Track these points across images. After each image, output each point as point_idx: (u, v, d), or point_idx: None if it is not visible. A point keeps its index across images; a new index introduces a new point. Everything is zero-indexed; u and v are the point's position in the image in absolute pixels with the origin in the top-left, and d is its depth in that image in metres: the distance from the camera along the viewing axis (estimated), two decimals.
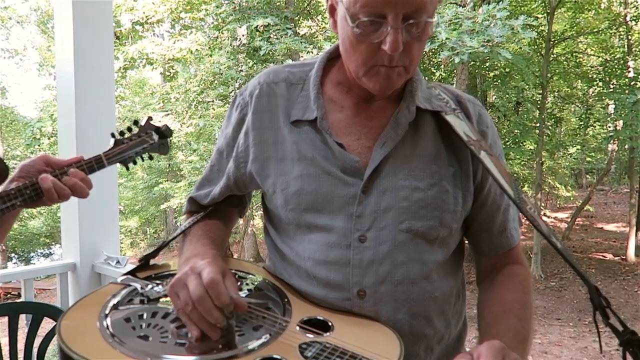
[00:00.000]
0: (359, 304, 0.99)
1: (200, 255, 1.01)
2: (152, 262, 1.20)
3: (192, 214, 1.24)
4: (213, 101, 11.91)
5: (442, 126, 1.05)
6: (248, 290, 1.06)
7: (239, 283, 1.06)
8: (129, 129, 1.32)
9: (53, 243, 15.88)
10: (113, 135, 1.30)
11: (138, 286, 1.06)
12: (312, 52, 10.17)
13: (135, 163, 1.34)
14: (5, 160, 1.20)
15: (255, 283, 1.09)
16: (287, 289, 1.06)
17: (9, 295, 12.37)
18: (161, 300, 1.02)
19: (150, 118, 1.36)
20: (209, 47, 11.74)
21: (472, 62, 10.99)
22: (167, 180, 13.77)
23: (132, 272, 1.13)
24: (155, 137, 1.34)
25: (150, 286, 1.06)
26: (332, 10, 1.01)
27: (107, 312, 0.97)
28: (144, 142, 1.32)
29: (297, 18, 11.76)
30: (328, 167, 1.02)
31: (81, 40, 2.78)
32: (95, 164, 1.26)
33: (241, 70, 11.20)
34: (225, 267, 0.96)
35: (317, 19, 12.73)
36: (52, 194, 1.16)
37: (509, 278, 1.10)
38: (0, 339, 2.20)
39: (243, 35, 11.40)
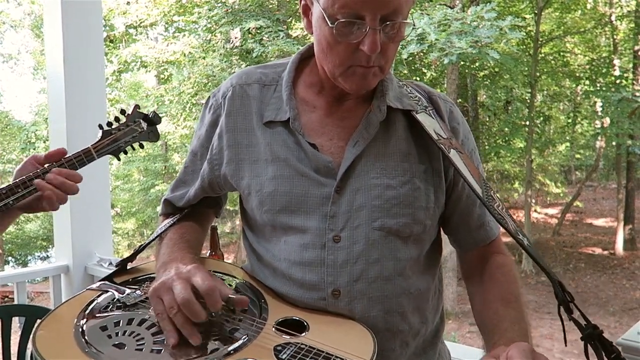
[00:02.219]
0: (333, 303, 1.00)
1: (178, 259, 1.02)
2: (129, 265, 1.19)
3: (168, 216, 1.24)
4: None
5: (414, 125, 1.06)
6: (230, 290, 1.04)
7: None
8: (117, 119, 1.29)
9: (50, 246, 15.88)
10: (101, 126, 1.27)
11: (115, 292, 1.05)
12: None
13: (126, 153, 1.33)
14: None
15: (233, 284, 1.09)
16: (264, 290, 1.07)
17: (6, 298, 12.42)
18: (138, 305, 1.02)
19: (137, 106, 1.33)
20: (202, 50, 11.80)
21: (461, 63, 11.11)
22: (163, 182, 13.84)
23: (108, 278, 1.13)
24: (144, 124, 1.31)
25: (127, 292, 1.06)
26: (306, 10, 1.01)
27: (83, 320, 0.97)
28: (133, 130, 1.30)
29: (289, 20, 11.86)
30: (301, 168, 1.03)
31: (71, 44, 2.76)
32: (85, 157, 1.24)
33: (234, 72, 11.25)
34: (210, 271, 0.99)
35: None
36: (52, 198, 1.16)
37: (496, 270, 1.10)
38: None
39: (236, 38, 11.47)
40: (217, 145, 1.10)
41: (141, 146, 1.35)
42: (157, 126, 1.36)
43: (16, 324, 2.21)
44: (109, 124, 1.29)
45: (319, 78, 1.07)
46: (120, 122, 1.30)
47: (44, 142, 13.82)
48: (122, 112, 1.31)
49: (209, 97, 1.16)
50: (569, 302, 0.91)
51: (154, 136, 1.34)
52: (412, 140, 1.06)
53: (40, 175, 1.16)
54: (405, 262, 1.03)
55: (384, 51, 0.95)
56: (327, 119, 1.06)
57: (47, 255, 15.87)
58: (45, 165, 1.20)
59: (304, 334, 0.95)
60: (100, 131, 1.28)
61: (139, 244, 1.24)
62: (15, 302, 2.65)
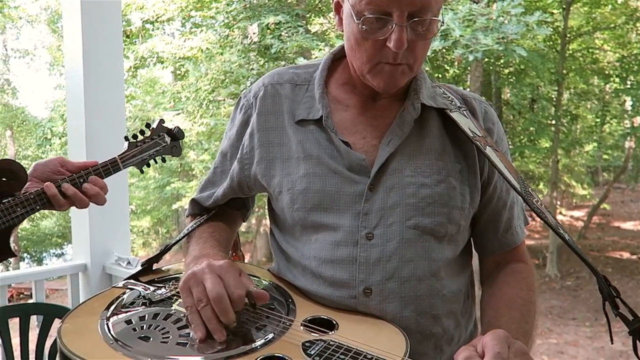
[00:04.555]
0: (364, 302, 0.99)
1: (210, 255, 1.01)
2: (155, 266, 1.20)
3: (195, 216, 1.24)
4: (224, 100, 11.82)
5: (448, 123, 1.06)
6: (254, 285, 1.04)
7: None
8: (142, 132, 1.31)
9: (65, 243, 15.91)
10: (127, 138, 1.30)
11: (140, 289, 1.06)
12: (323, 50, 10.06)
13: (149, 166, 1.34)
14: (19, 163, 1.17)
15: (259, 286, 1.08)
16: (291, 290, 1.07)
17: (21, 295, 12.37)
18: (164, 302, 1.02)
19: (162, 120, 1.35)
20: (220, 46, 11.64)
21: (486, 59, 10.83)
22: (179, 180, 13.70)
23: (134, 276, 1.14)
24: (168, 139, 1.33)
25: (152, 289, 1.06)
26: (338, 7, 1.02)
27: (108, 314, 0.97)
28: (157, 144, 1.32)
29: (308, 15, 11.62)
30: (334, 166, 1.02)
31: (90, 40, 2.77)
32: (111, 167, 1.25)
33: (252, 69, 11.10)
34: (238, 267, 0.96)
35: (329, 16, 12.55)
36: (58, 200, 1.16)
37: (511, 275, 1.10)
38: (12, 339, 2.22)
39: (254, 34, 11.30)
40: (248, 144, 1.11)
41: (163, 160, 1.36)
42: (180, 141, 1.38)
43: (34, 322, 2.26)
44: (135, 136, 1.31)
45: (350, 77, 1.07)
46: (145, 135, 1.32)
47: (60, 138, 13.73)
48: (147, 125, 1.33)
49: (240, 97, 1.17)
50: (615, 297, 0.88)
51: (176, 151, 1.36)
52: (447, 139, 1.06)
53: (77, 183, 1.18)
54: (440, 263, 1.02)
55: (412, 49, 0.94)
56: (360, 117, 1.06)
57: (62, 252, 15.87)
58: (73, 174, 1.20)
59: (333, 332, 0.94)
60: (126, 142, 1.30)
61: (166, 244, 1.23)
62: (33, 300, 2.67)
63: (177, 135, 1.35)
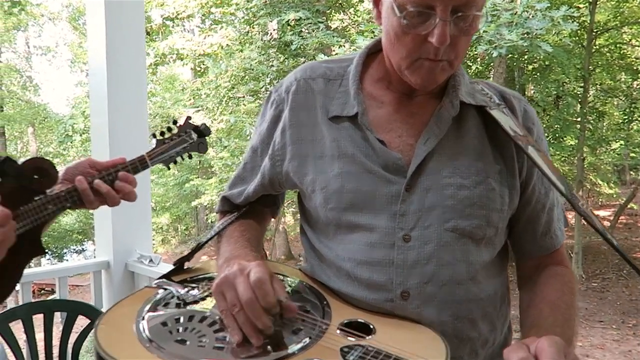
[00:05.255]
0: (402, 305, 0.96)
1: (242, 256, 0.99)
2: (186, 265, 1.18)
3: (225, 213, 1.23)
4: (244, 97, 11.79)
5: (487, 122, 1.03)
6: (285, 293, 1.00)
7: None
8: (169, 129, 1.31)
9: (85, 240, 16.07)
10: (154, 135, 1.30)
11: (173, 289, 1.05)
12: (344, 46, 9.99)
13: (175, 163, 1.33)
14: (50, 161, 1.16)
15: (292, 286, 1.07)
16: (325, 291, 1.04)
17: (42, 290, 12.49)
18: (197, 303, 1.01)
19: (189, 117, 1.35)
20: (240, 42, 11.61)
21: (510, 55, 10.63)
22: (198, 177, 13.74)
23: (166, 276, 1.12)
24: (194, 136, 1.32)
25: (185, 289, 1.06)
26: (377, 0, 0.99)
27: (143, 315, 0.96)
28: (184, 141, 1.31)
29: (328, 11, 11.51)
30: (369, 165, 1.00)
31: (113, 38, 2.76)
32: (140, 164, 1.25)
33: (272, 65, 11.05)
34: (271, 271, 0.94)
35: (349, 12, 12.46)
36: (88, 196, 1.16)
37: (553, 277, 1.08)
38: (36, 335, 2.25)
39: (274, 30, 11.24)
40: (280, 141, 1.08)
41: (190, 157, 1.34)
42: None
43: (57, 318, 2.28)
44: (162, 133, 1.30)
45: (386, 72, 1.04)
46: (172, 132, 1.31)
47: (81, 135, 13.82)
48: (174, 122, 1.32)
49: (270, 92, 1.14)
50: None
51: (203, 147, 1.35)
52: (486, 137, 1.03)
53: (107, 181, 1.18)
54: (477, 266, 1.00)
55: (453, 45, 0.91)
56: (395, 114, 1.03)
57: (83, 249, 16.02)
58: (102, 172, 1.21)
59: (370, 336, 0.91)
60: (154, 140, 1.29)
61: (197, 242, 1.21)
62: (57, 297, 2.70)
63: (203, 132, 1.34)
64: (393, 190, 0.98)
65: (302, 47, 10.27)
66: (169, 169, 1.39)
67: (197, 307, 1.00)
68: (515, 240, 1.11)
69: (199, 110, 12.24)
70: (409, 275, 0.96)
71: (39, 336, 2.24)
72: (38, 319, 2.23)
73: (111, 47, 2.76)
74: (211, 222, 15.14)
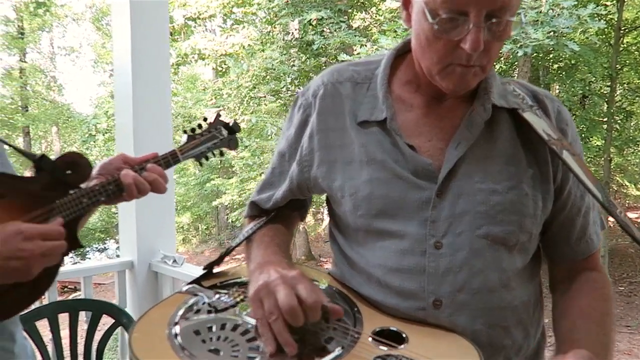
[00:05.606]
0: (434, 314, 0.95)
1: (275, 263, 0.98)
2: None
3: (253, 218, 1.22)
4: (265, 96, 11.79)
5: (520, 125, 1.00)
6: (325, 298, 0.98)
7: None
8: (199, 126, 1.33)
9: (107, 238, 16.24)
10: (185, 131, 1.32)
11: (204, 296, 1.05)
12: (365, 46, 9.93)
13: (207, 159, 1.34)
14: (83, 155, 1.18)
15: (323, 291, 1.03)
16: (355, 298, 1.03)
17: (65, 288, 12.63)
18: (229, 310, 1.00)
19: (219, 114, 1.36)
20: (261, 42, 11.61)
21: (534, 54, 10.47)
22: (219, 177, 13.77)
23: (196, 281, 1.12)
24: (225, 132, 1.34)
25: (216, 296, 1.05)
26: (407, 2, 0.96)
27: (175, 323, 0.96)
28: (214, 137, 1.32)
29: (350, 11, 11.44)
30: (399, 171, 0.98)
31: (138, 38, 2.77)
32: (171, 159, 1.26)
33: (293, 65, 11.04)
34: (309, 278, 0.93)
35: (371, 11, 12.38)
36: (133, 189, 1.17)
37: (585, 284, 1.05)
38: (60, 333, 2.28)
39: (295, 30, 11.22)
40: (308, 146, 1.07)
41: (221, 153, 1.36)
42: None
43: (82, 317, 2.31)
44: (193, 129, 1.32)
45: (415, 75, 1.02)
46: (203, 129, 1.32)
47: (103, 134, 13.95)
48: (205, 119, 1.34)
49: (298, 96, 1.13)
50: None
51: (233, 144, 1.36)
52: (518, 141, 1.00)
53: (137, 171, 1.19)
54: (510, 273, 0.98)
55: (486, 50, 0.89)
56: (425, 118, 1.02)
57: (105, 247, 16.18)
58: (133, 167, 1.22)
59: (403, 345, 0.90)
60: (185, 135, 1.31)
61: (227, 247, 1.20)
62: (82, 296, 2.72)
63: (233, 128, 1.35)
64: (423, 197, 0.96)
65: (323, 46, 10.23)
66: (201, 165, 1.39)
67: (228, 314, 0.99)
68: (548, 244, 1.08)
69: (220, 110, 12.27)
70: (441, 283, 0.95)
71: (64, 334, 2.26)
72: (62, 317, 2.26)
73: (136, 47, 2.77)
74: (231, 221, 15.19)
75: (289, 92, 11.63)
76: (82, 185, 1.16)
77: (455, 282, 0.95)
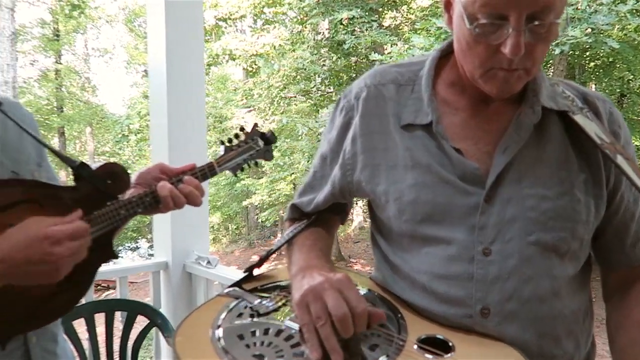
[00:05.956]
0: (481, 322, 0.93)
1: (318, 267, 0.97)
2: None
3: (294, 221, 1.22)
4: (295, 97, 11.79)
5: (570, 128, 0.98)
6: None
7: None
8: (237, 136, 1.33)
9: (139, 237, 16.46)
10: (222, 142, 1.32)
11: (246, 299, 1.05)
12: (396, 45, 9.83)
13: (242, 170, 1.33)
14: (122, 166, 1.17)
15: (364, 296, 1.00)
16: (398, 303, 1.01)
17: (98, 286, 12.85)
18: (271, 314, 0.99)
19: (256, 125, 1.36)
20: (292, 42, 11.62)
21: (570, 52, 10.21)
22: (249, 177, 13.81)
23: (237, 284, 1.12)
24: (261, 143, 1.33)
25: (258, 300, 1.04)
26: (448, 5, 0.94)
27: (218, 327, 0.96)
28: (251, 148, 1.31)
29: (381, 10, 11.35)
30: (445, 175, 0.96)
31: (173, 40, 2.82)
32: (208, 171, 1.26)
33: (324, 65, 11.01)
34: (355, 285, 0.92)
35: (402, 10, 12.24)
36: (169, 202, 1.17)
37: None
38: (96, 332, 2.33)
39: (326, 29, 11.19)
40: (350, 149, 1.06)
41: (256, 164, 1.35)
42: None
43: (117, 316, 2.36)
44: (230, 140, 1.32)
45: (460, 77, 1.00)
46: (240, 139, 1.32)
47: (136, 134, 14.14)
48: (242, 129, 1.34)
49: (340, 98, 1.12)
50: None
51: (269, 155, 1.36)
52: (570, 145, 0.98)
53: (174, 184, 1.20)
54: (561, 281, 0.96)
55: (530, 52, 0.86)
56: (471, 121, 0.99)
57: (137, 246, 16.41)
58: (171, 178, 1.23)
59: (449, 354, 0.88)
60: (222, 147, 1.31)
61: (268, 249, 1.21)
62: (118, 296, 2.76)
63: (270, 139, 1.34)
64: (471, 202, 0.95)
65: (354, 46, 10.17)
66: (235, 176, 1.39)
67: (271, 319, 0.98)
68: (601, 251, 1.06)
69: (251, 111, 12.33)
70: (489, 291, 0.93)
71: (99, 329, 2.30)
72: (97, 317, 2.31)
73: (170, 48, 2.79)
74: (261, 222, 15.23)
75: (319, 92, 11.60)
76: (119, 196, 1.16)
77: (505, 290, 0.92)
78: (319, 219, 1.20)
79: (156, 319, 2.39)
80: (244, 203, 14.55)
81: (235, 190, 14.32)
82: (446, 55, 1.04)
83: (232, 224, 18.10)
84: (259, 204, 13.47)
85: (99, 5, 17.48)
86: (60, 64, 18.03)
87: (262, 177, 13.12)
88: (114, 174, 1.13)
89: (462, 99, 1.01)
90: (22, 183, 1.09)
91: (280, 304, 1.02)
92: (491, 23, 0.84)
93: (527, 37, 0.84)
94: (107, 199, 1.12)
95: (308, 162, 11.24)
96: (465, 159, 0.96)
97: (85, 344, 2.32)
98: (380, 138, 1.03)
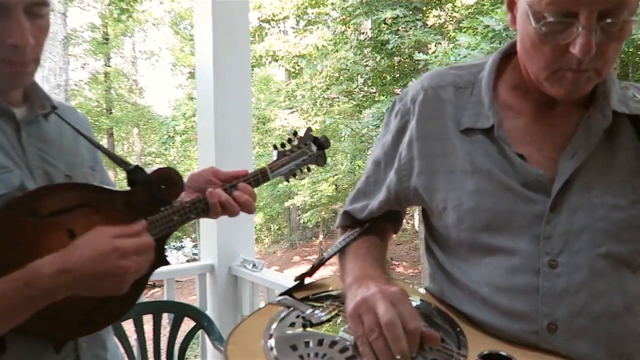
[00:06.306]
0: (548, 338, 0.88)
1: (373, 277, 0.94)
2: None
3: (346, 228, 1.20)
4: (337, 97, 11.76)
5: None
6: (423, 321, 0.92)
7: None
8: (289, 141, 1.31)
9: (184, 237, 16.75)
10: (275, 147, 1.30)
11: (298, 309, 1.03)
12: (441, 44, 9.66)
13: (295, 176, 1.31)
14: (177, 171, 1.15)
15: (419, 308, 1.00)
16: (457, 317, 0.97)
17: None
18: (324, 325, 0.97)
19: (309, 129, 1.34)
20: (334, 43, 11.59)
21: (625, 49, 9.82)
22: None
23: (288, 292, 1.10)
24: (314, 148, 1.30)
25: (310, 309, 1.03)
26: (512, 4, 0.92)
27: (270, 336, 0.95)
28: (304, 154, 1.29)
29: (425, 9, 11.18)
30: (507, 181, 0.92)
31: (220, 42, 2.84)
32: (261, 177, 1.24)
33: (367, 65, 10.93)
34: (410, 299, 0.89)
35: (447, 8, 12.03)
36: (217, 209, 1.16)
37: None
38: (144, 333, 2.39)
39: (369, 29, 11.12)
40: (406, 154, 1.03)
41: (308, 170, 1.33)
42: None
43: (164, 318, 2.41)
44: (283, 145, 1.30)
45: (522, 79, 0.96)
46: (293, 144, 1.30)
47: (181, 135, 14.39)
48: (295, 134, 1.32)
49: (395, 101, 1.10)
50: None
51: (321, 160, 1.33)
52: None
53: (227, 190, 1.18)
54: (635, 297, 0.90)
55: (601, 52, 0.81)
56: (534, 125, 0.96)
57: (182, 246, 16.72)
58: (225, 183, 1.22)
59: None
60: (275, 152, 1.29)
61: (319, 258, 1.18)
62: (165, 298, 2.80)
63: (323, 144, 1.31)
64: (536, 210, 0.91)
65: (397, 45, 10.06)
66: (288, 182, 1.37)
67: (324, 329, 0.97)
68: None
69: (293, 112, 12.37)
70: (556, 305, 0.89)
71: (147, 327, 2.36)
72: (145, 317, 2.38)
73: (217, 51, 2.83)
74: (303, 223, 15.27)
75: (361, 92, 11.54)
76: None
77: (574, 304, 0.88)
78: (372, 227, 1.17)
79: (202, 321, 2.44)
80: (286, 204, 14.62)
81: (278, 191, 14.40)
82: (508, 56, 1.01)
83: (274, 225, 18.23)
84: (301, 205, 13.51)
85: (146, 9, 17.89)
86: (109, 66, 18.57)
87: (304, 178, 13.15)
88: (168, 179, 1.12)
89: (525, 102, 0.98)
90: (78, 187, 1.09)
91: (333, 314, 1.00)
92: (559, 21, 0.80)
93: (599, 35, 0.80)
94: (161, 204, 1.11)
95: (351, 163, 11.20)
96: (528, 164, 0.92)
97: (134, 344, 2.37)
98: (437, 142, 1.00)
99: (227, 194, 1.18)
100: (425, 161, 1.01)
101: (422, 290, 1.09)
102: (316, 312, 1.02)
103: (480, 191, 0.94)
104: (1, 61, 0.99)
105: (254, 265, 2.87)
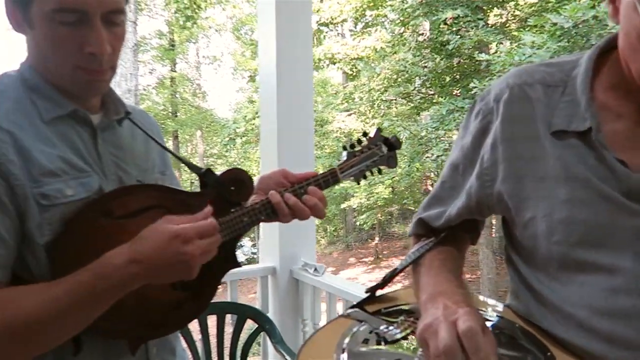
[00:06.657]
0: None
1: (447, 294, 0.87)
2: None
3: (419, 237, 1.12)
4: (395, 99, 11.68)
5: None
6: (494, 336, 0.82)
7: None
8: (359, 141, 1.27)
9: (244, 237, 17.05)
10: (345, 148, 1.27)
11: (372, 324, 0.98)
12: (502, 43, 9.42)
13: (365, 177, 1.27)
14: (247, 172, 1.15)
15: (503, 328, 0.93)
16: (546, 340, 0.89)
17: None
18: (399, 342, 0.92)
19: (379, 129, 1.29)
20: (393, 44, 11.53)
21: None
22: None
23: (359, 305, 1.06)
24: (384, 149, 1.26)
25: (383, 325, 0.97)
26: None
27: (343, 352, 0.91)
28: (374, 154, 1.25)
29: (486, 8, 10.93)
30: (607, 191, 0.83)
31: (283, 45, 2.83)
32: (331, 178, 1.21)
33: (425, 67, 10.81)
34: (483, 319, 0.81)
35: (509, 6, 11.72)
36: (283, 210, 1.14)
37: None
38: (205, 332, 2.40)
39: (428, 30, 10.99)
40: (489, 157, 0.95)
41: (379, 172, 1.29)
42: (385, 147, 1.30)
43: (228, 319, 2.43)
44: (352, 145, 1.27)
45: (623, 78, 0.86)
46: (363, 145, 1.26)
47: (241, 137, 14.72)
48: (364, 134, 1.28)
49: (475, 101, 1.03)
50: None
51: (392, 162, 1.28)
52: None
53: (297, 194, 1.16)
54: None
55: None
56: (637, 129, 0.87)
57: (241, 244, 17.06)
58: (294, 185, 1.20)
59: None
60: (345, 152, 1.26)
61: (392, 269, 1.11)
62: (228, 299, 2.79)
63: (394, 145, 1.27)
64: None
65: (457, 46, 9.89)
66: (358, 184, 1.31)
67: (400, 348, 0.92)
68: None
69: (351, 114, 12.39)
70: None
71: (211, 326, 2.38)
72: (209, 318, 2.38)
73: (281, 55, 2.83)
74: (359, 224, 15.25)
75: (419, 94, 11.42)
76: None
77: None
78: (448, 237, 1.09)
79: (264, 323, 2.45)
80: (342, 205, 14.64)
81: (334, 193, 14.44)
82: (606, 52, 0.92)
83: (330, 226, 18.26)
84: (357, 206, 13.51)
85: (209, 16, 18.41)
86: (175, 71, 19.22)
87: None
88: (239, 181, 1.12)
89: (627, 103, 0.88)
90: (153, 188, 1.11)
91: (408, 331, 0.95)
92: None
93: None
94: (232, 206, 1.11)
95: (409, 166, 11.11)
96: (632, 172, 0.83)
97: (198, 345, 2.41)
98: (525, 145, 0.92)
99: (296, 197, 1.15)
100: (511, 165, 0.93)
101: (505, 309, 1.02)
102: (390, 328, 0.97)
103: (574, 200, 0.86)
104: (79, 69, 1.00)
105: (315, 270, 2.84)
